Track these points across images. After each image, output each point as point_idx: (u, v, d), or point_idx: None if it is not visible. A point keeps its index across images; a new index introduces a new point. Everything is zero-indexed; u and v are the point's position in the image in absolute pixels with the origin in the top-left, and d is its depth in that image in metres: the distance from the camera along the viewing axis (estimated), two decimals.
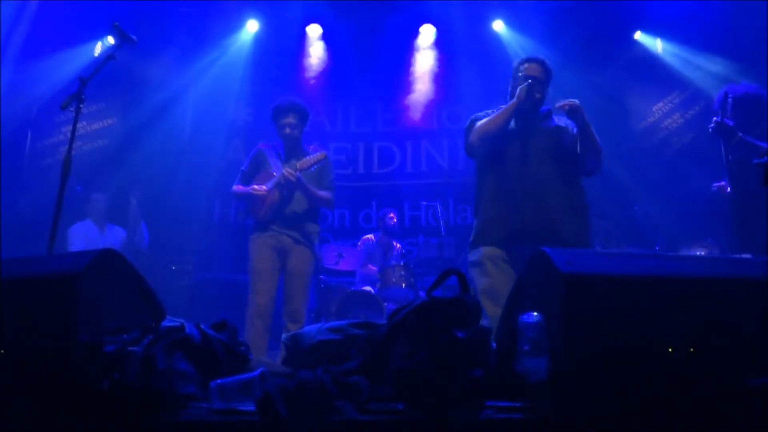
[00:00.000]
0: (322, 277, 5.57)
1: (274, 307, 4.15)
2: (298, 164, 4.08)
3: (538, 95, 3.25)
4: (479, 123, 3.28)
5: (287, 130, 4.29)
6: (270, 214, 4.14)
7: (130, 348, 1.50)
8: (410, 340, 1.47)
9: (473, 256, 3.23)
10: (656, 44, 6.80)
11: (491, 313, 2.91)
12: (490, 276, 3.09)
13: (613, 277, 1.51)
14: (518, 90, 3.17)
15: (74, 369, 1.46)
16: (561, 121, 3.35)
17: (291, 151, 4.32)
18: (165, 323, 1.68)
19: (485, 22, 7.00)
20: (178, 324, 1.67)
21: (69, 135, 3.17)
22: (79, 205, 5.54)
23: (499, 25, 7.01)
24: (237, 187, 4.33)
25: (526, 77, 3.23)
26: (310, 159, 4.12)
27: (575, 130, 3.25)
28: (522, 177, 3.14)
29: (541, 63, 3.33)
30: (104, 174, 6.19)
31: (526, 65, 3.32)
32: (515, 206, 3.11)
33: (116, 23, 3.32)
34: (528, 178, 3.13)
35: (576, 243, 3.08)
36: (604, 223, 5.62)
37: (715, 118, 3.76)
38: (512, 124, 3.25)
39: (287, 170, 4.04)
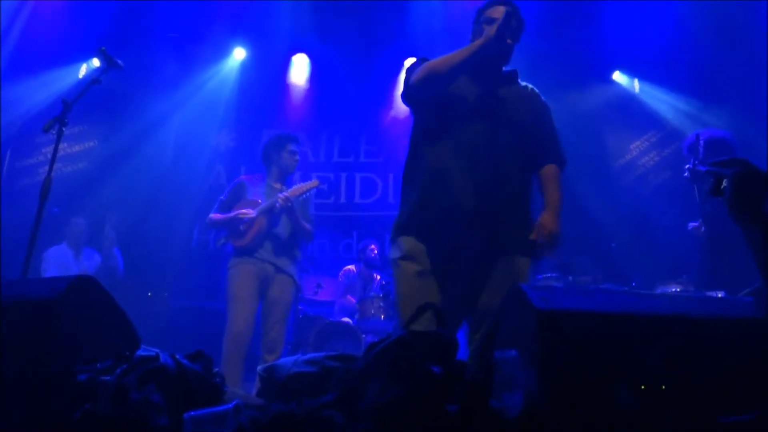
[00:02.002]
0: (300, 306, 5.54)
1: (252, 336, 4.12)
2: (290, 191, 4.10)
3: (509, 41, 2.58)
4: (429, 61, 2.60)
5: (297, 158, 4.39)
6: (256, 240, 4.13)
7: (102, 377, 1.48)
8: (386, 374, 1.47)
9: (394, 253, 2.59)
10: (634, 84, 6.97)
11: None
12: (411, 280, 2.48)
13: (589, 314, 1.53)
14: (487, 30, 2.52)
15: (45, 399, 1.44)
16: (526, 90, 2.77)
17: (281, 179, 4.35)
18: (139, 352, 1.66)
19: None
20: (152, 353, 1.65)
21: (49, 156, 3.16)
22: (56, 228, 5.48)
23: None
24: (215, 215, 4.31)
25: (494, 20, 2.54)
26: (302, 186, 4.14)
27: (543, 106, 2.75)
28: (469, 152, 2.51)
29: (511, 5, 2.62)
30: (83, 197, 6.15)
31: (494, 7, 2.65)
32: (456, 188, 2.49)
33: (103, 48, 3.34)
34: (476, 154, 2.51)
35: (521, 243, 2.54)
36: (580, 258, 5.68)
37: (687, 165, 3.87)
38: (466, 84, 2.62)
39: (284, 195, 4.05)
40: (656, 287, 4.62)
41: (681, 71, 6.36)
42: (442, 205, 2.49)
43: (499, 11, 2.55)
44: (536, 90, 2.80)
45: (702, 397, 1.49)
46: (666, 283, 4.58)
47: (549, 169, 2.71)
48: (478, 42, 2.52)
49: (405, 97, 2.73)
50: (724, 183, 1.53)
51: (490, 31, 2.46)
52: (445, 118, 2.60)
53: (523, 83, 2.79)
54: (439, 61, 2.57)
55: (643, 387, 1.50)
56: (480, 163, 2.50)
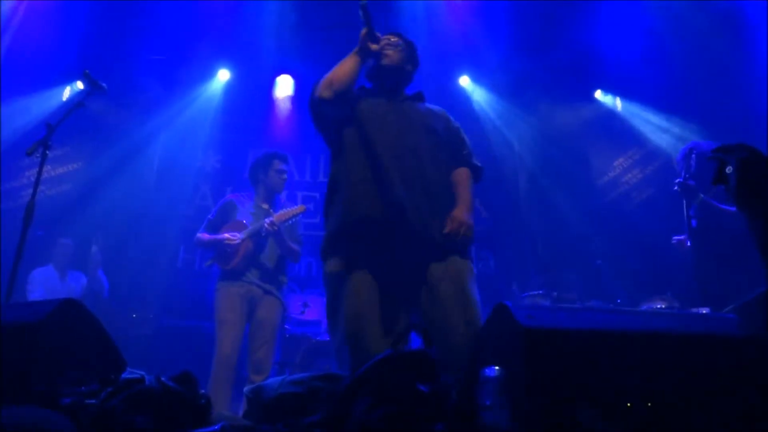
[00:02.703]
0: (287, 326, 5.51)
1: (239, 358, 4.09)
2: (276, 217, 4.09)
3: (390, 54, 2.76)
4: (324, 76, 2.69)
5: (284, 176, 4.38)
6: (243, 263, 4.12)
7: (87, 401, 1.47)
8: (373, 393, 1.47)
9: (326, 269, 2.59)
10: (616, 103, 7.07)
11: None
12: (346, 295, 2.45)
13: (574, 332, 1.54)
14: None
15: None
16: (435, 107, 2.91)
17: (268, 199, 4.34)
18: (124, 375, 1.65)
19: (452, 77, 7.19)
20: (137, 376, 1.64)
21: (32, 179, 3.14)
22: (41, 250, 5.43)
23: (465, 81, 7.21)
24: (203, 235, 4.30)
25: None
26: (288, 212, 4.12)
27: (453, 122, 2.86)
28: (386, 162, 2.54)
29: (399, 35, 2.88)
30: (67, 219, 6.10)
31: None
32: (379, 199, 2.49)
33: (87, 71, 3.34)
34: (393, 163, 2.54)
35: (446, 244, 2.52)
36: (566, 275, 5.71)
37: (678, 179, 3.89)
38: (373, 102, 2.73)
39: (269, 221, 4.04)
40: (641, 303, 4.65)
41: (662, 90, 6.46)
42: (366, 218, 2.49)
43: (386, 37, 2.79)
44: (445, 111, 2.92)
45: (687, 413, 1.50)
46: (651, 299, 4.61)
47: (461, 172, 2.76)
48: (361, 49, 2.69)
49: (317, 117, 2.78)
50: (728, 169, 1.48)
51: (362, 33, 2.67)
52: (357, 132, 2.65)
53: (432, 104, 2.91)
54: (333, 71, 2.66)
55: (629, 405, 1.51)
56: (398, 171, 2.52)
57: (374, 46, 2.70)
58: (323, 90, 2.63)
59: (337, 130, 2.73)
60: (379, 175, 2.53)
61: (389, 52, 2.78)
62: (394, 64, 2.79)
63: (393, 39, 2.83)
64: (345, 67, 2.66)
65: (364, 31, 2.68)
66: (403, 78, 2.87)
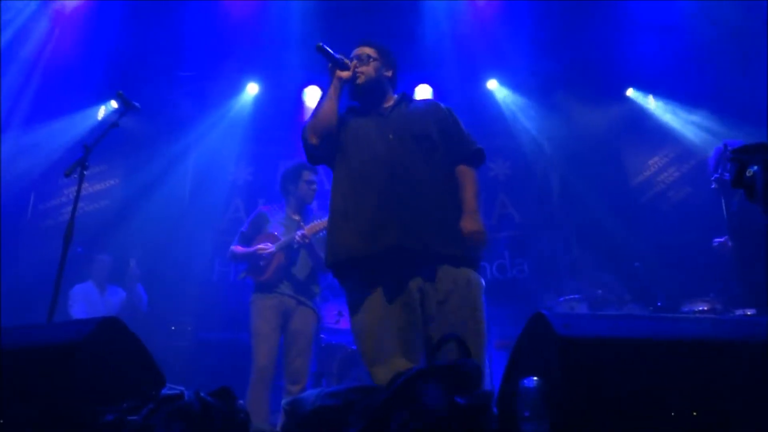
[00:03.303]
0: (322, 335, 5.52)
1: (276, 369, 4.12)
2: (307, 229, 4.11)
3: (363, 71, 2.81)
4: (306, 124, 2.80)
5: (314, 187, 4.41)
6: (275, 275, 4.15)
7: (129, 417, 1.49)
8: (409, 407, 1.46)
9: (347, 294, 2.63)
10: (648, 101, 6.95)
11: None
12: (370, 314, 2.48)
13: (611, 340, 1.51)
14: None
15: None
16: (423, 102, 2.95)
17: (299, 210, 4.37)
18: (164, 391, 1.68)
19: (480, 81, 7.17)
20: (177, 392, 1.67)
21: (71, 197, 3.23)
22: (80, 267, 5.55)
23: (493, 84, 7.17)
24: (236, 248, 4.34)
25: (351, 57, 2.86)
26: (319, 224, 4.13)
27: (445, 112, 2.83)
28: (382, 175, 2.56)
29: (368, 43, 2.92)
30: (105, 235, 6.23)
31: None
32: (379, 221, 2.49)
33: (120, 92, 3.42)
34: (389, 176, 2.56)
35: (452, 257, 2.53)
36: (605, 277, 5.62)
37: (715, 175, 3.81)
38: (357, 123, 2.78)
39: (300, 234, 4.07)
40: (682, 306, 4.54)
41: (695, 85, 6.33)
42: (352, 258, 2.53)
43: (358, 50, 2.88)
44: (435, 100, 2.94)
45: (732, 422, 1.46)
46: (692, 302, 4.49)
47: (462, 172, 2.73)
48: (333, 84, 2.76)
49: (311, 159, 2.87)
50: (749, 172, 1.38)
51: (329, 67, 2.77)
52: (345, 163, 2.71)
53: (421, 99, 2.86)
54: (314, 116, 2.77)
55: (672, 413, 1.47)
56: (389, 196, 2.52)
57: (346, 74, 2.77)
58: (310, 137, 2.73)
59: (331, 159, 2.80)
60: (368, 203, 2.54)
61: (361, 69, 2.81)
62: (370, 79, 2.82)
63: (364, 52, 2.87)
64: (324, 110, 2.74)
65: (330, 65, 2.77)
66: (384, 86, 2.88)
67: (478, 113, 7.12)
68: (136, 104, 3.41)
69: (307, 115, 7.28)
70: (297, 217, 4.32)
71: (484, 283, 2.60)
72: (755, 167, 1.34)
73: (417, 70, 6.94)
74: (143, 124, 6.67)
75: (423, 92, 7.29)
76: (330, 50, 2.75)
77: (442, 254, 2.50)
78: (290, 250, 4.17)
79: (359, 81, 2.80)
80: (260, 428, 1.82)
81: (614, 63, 6.69)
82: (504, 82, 7.17)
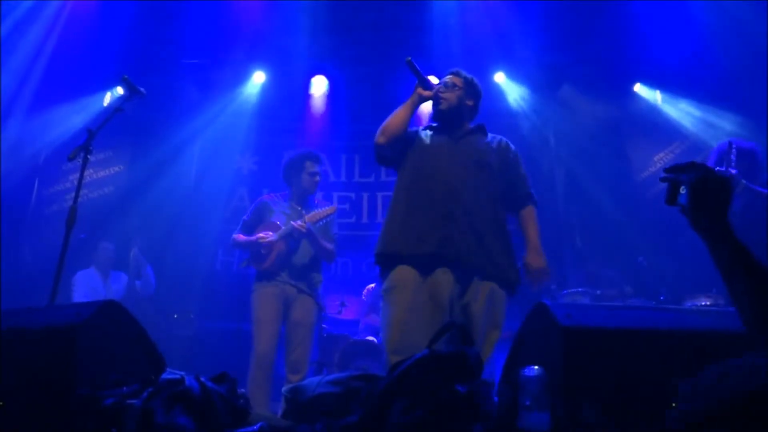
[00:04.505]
0: (324, 325, 5.53)
1: (276, 357, 4.13)
2: (307, 217, 4.11)
3: (446, 97, 3.03)
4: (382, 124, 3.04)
5: (317, 179, 4.39)
6: (276, 264, 4.15)
7: (129, 401, 1.49)
8: (410, 394, 1.46)
9: (384, 285, 2.84)
10: (656, 96, 6.91)
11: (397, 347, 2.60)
12: (403, 304, 2.70)
13: (613, 330, 1.51)
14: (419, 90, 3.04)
15: (72, 422, 1.45)
16: (495, 140, 3.12)
17: (301, 199, 4.36)
18: (165, 375, 1.67)
19: (487, 74, 7.13)
20: (177, 376, 1.66)
21: (75, 183, 3.22)
22: (83, 253, 5.56)
23: (500, 77, 7.14)
24: (238, 236, 4.34)
25: (440, 82, 3.11)
26: (320, 212, 4.14)
27: (511, 153, 3.08)
28: (440, 191, 2.82)
29: (457, 74, 3.14)
30: (109, 222, 6.24)
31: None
32: (431, 230, 2.75)
33: (126, 76, 3.41)
34: (446, 192, 2.82)
35: (507, 270, 2.84)
36: (608, 272, 5.61)
37: (718, 168, 3.79)
38: (432, 139, 3.03)
39: (298, 223, 4.07)
40: (685, 300, 4.53)
41: (703, 82, 6.28)
42: (415, 243, 2.76)
43: (445, 78, 3.10)
44: (506, 140, 3.15)
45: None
46: (695, 297, 4.49)
47: (526, 211, 3.04)
48: (411, 98, 3.01)
49: (378, 157, 3.09)
50: (682, 190, 1.40)
51: (423, 91, 3.01)
52: (413, 168, 2.96)
53: (493, 135, 3.15)
54: (388, 119, 3.00)
55: (673, 404, 1.47)
56: (445, 205, 2.79)
57: (428, 93, 3.01)
58: (379, 136, 2.98)
59: (398, 164, 3.05)
60: (426, 208, 2.80)
61: (444, 95, 3.04)
62: (451, 105, 3.04)
63: (450, 79, 3.09)
64: (397, 117, 2.98)
65: (417, 82, 3.01)
66: (463, 114, 3.10)
67: (484, 106, 7.07)
68: (142, 89, 3.40)
69: (314, 105, 7.34)
70: (299, 207, 4.31)
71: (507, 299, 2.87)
72: (683, 187, 1.35)
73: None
74: (149, 111, 6.65)
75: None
76: (418, 67, 2.98)
77: (477, 269, 2.76)
78: (291, 239, 4.16)
79: (442, 106, 3.03)
80: (261, 414, 1.82)
81: (622, 58, 6.64)
82: (511, 75, 7.13)
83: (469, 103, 3.14)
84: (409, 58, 2.96)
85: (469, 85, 3.14)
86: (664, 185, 1.46)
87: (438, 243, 2.72)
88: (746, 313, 1.22)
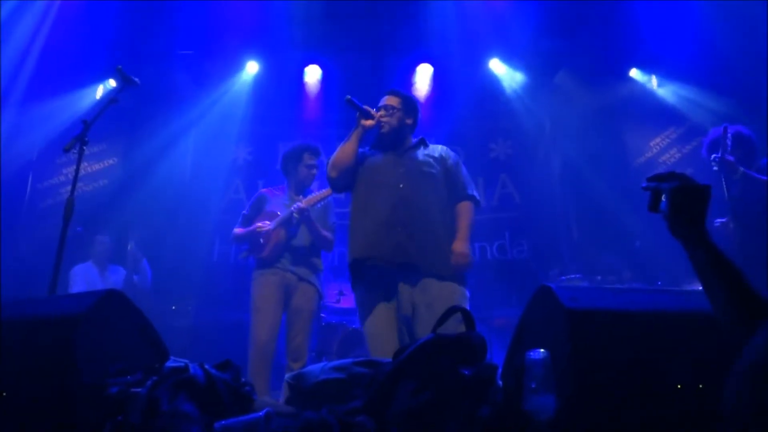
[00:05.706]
0: (323, 314, 5.52)
1: (276, 345, 4.13)
2: (304, 201, 4.11)
3: (386, 121, 3.32)
4: (330, 158, 3.35)
5: (314, 171, 4.42)
6: (275, 251, 4.15)
7: (133, 390, 1.49)
8: (415, 378, 1.46)
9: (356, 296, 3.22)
10: (651, 81, 6.90)
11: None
12: (372, 320, 3.05)
13: (619, 312, 1.50)
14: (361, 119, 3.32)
15: (77, 412, 1.45)
16: (435, 149, 3.41)
17: (298, 191, 4.36)
18: (169, 364, 1.67)
19: (482, 60, 7.11)
20: (181, 364, 1.66)
21: (70, 176, 3.19)
22: (80, 247, 5.53)
23: (495, 64, 7.12)
24: (238, 230, 4.34)
25: (377, 107, 3.39)
26: (317, 195, 4.15)
27: (451, 160, 3.34)
28: (389, 201, 3.11)
29: (395, 94, 3.45)
30: (105, 215, 6.20)
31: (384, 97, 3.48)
32: (385, 239, 3.05)
33: (119, 67, 3.38)
34: (395, 201, 3.11)
35: (438, 273, 3.05)
36: (605, 257, 5.62)
37: (715, 155, 3.79)
38: (379, 158, 3.32)
39: (296, 209, 4.06)
40: (683, 285, 4.54)
41: (698, 67, 6.27)
42: (370, 258, 3.06)
43: (386, 99, 3.42)
44: (447, 149, 3.44)
45: None
46: (693, 281, 4.49)
47: (461, 205, 3.28)
48: (355, 129, 3.30)
49: (335, 190, 3.47)
50: (663, 198, 1.44)
51: (365, 122, 3.29)
52: (365, 185, 3.26)
53: (434, 146, 3.44)
54: (336, 154, 3.29)
55: (679, 387, 1.47)
56: (397, 214, 3.06)
57: (369, 123, 3.29)
58: (331, 171, 3.29)
59: (352, 186, 3.34)
60: (378, 218, 3.08)
61: (385, 120, 3.32)
62: (393, 128, 3.33)
63: (389, 101, 3.39)
64: (344, 151, 3.26)
65: (357, 115, 3.29)
66: (404, 133, 3.39)
67: (480, 93, 7.07)
68: (136, 79, 3.37)
69: (308, 94, 7.30)
70: (298, 198, 4.30)
71: (468, 294, 3.11)
72: (664, 195, 1.40)
73: (419, 48, 6.88)
74: (142, 103, 6.61)
75: (425, 71, 7.24)
76: (357, 102, 3.28)
77: (428, 269, 3.01)
78: (289, 225, 4.15)
79: (383, 130, 3.33)
80: (265, 400, 1.81)
81: (618, 43, 6.62)
82: (506, 61, 7.11)
83: (409, 121, 3.41)
84: (349, 97, 3.25)
85: (406, 104, 3.42)
86: (661, 171, 1.49)
87: (392, 249, 3.00)
88: (720, 310, 1.30)
